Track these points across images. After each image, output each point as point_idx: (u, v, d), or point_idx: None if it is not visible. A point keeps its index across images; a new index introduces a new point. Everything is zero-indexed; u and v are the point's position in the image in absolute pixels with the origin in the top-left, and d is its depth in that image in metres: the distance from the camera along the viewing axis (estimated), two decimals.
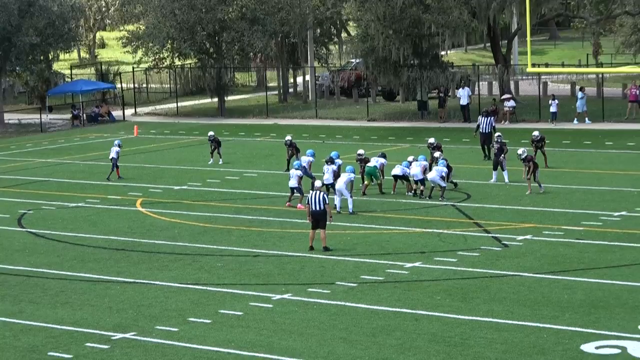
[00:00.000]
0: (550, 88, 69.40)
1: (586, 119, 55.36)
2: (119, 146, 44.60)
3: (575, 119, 55.42)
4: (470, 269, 27.00)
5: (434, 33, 60.80)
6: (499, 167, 38.67)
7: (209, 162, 46.84)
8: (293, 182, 36.02)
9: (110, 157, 43.92)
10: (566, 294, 24.29)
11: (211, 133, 47.73)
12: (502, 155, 38.68)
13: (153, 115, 71.06)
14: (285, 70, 76.65)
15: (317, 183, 30.62)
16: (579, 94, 56.06)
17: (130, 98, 74.85)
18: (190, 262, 29.06)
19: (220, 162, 46.49)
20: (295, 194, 36.12)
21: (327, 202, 29.59)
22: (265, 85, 73.88)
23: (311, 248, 29.84)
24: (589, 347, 20.51)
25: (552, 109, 55.22)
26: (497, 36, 64.30)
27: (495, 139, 39.61)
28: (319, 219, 29.51)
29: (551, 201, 35.48)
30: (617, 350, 20.31)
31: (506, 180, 38.35)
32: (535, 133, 41.44)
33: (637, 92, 56.49)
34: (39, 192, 41.79)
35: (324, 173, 36.48)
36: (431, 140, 41.00)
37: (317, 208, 29.43)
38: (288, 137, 43.96)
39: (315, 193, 29.59)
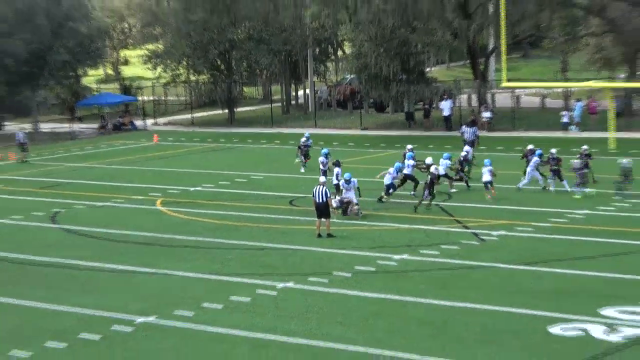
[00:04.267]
0: (523, 100, 69.51)
1: (574, 127, 55.17)
2: (308, 138, 45.48)
3: (576, 127, 55.19)
4: (451, 260, 27.10)
5: (420, 51, 61.04)
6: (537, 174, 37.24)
7: (302, 171, 44.60)
8: (387, 180, 35.94)
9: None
10: (536, 283, 24.38)
11: (306, 135, 46.30)
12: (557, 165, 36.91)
13: (171, 125, 71.14)
14: (288, 85, 76.77)
15: (322, 179, 31.12)
16: (579, 104, 55.64)
17: (150, 109, 74.94)
18: (205, 254, 29.17)
19: (302, 170, 44.64)
20: (390, 191, 36.02)
21: (329, 195, 30.38)
22: (270, 98, 73.99)
23: (319, 235, 30.26)
24: (555, 329, 20.62)
25: (565, 119, 54.82)
26: (476, 54, 64.43)
27: (550, 156, 37.27)
28: (322, 210, 30.24)
29: (523, 201, 35.56)
30: (580, 332, 20.42)
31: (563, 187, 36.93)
32: (585, 147, 38.22)
33: (596, 105, 56.70)
34: (70, 192, 41.88)
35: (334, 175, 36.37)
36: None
37: (320, 200, 30.18)
38: (325, 150, 42.18)
39: (319, 188, 30.35)
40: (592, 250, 27.70)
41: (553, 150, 37.74)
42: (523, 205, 34.69)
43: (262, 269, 27.06)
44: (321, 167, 39.40)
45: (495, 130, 57.12)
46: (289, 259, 28.18)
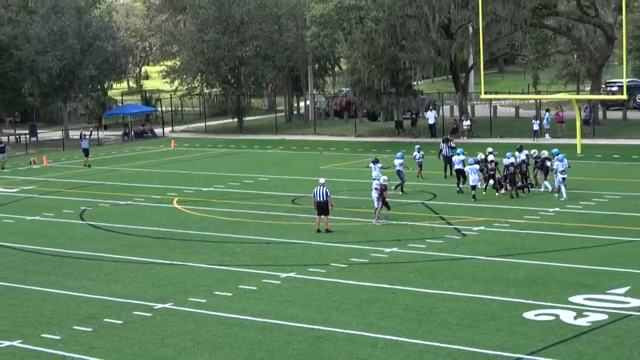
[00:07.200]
0: (500, 110, 69.40)
1: (547, 135, 55.00)
2: (419, 150, 41.24)
3: (547, 134, 55.01)
4: (436, 253, 26.99)
5: (408, 67, 61.09)
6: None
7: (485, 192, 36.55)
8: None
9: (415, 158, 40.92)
10: (512, 273, 24.28)
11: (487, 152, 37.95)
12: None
13: (186, 132, 71.01)
14: (291, 96, 76.63)
15: (322, 180, 30.76)
16: (547, 114, 55.49)
17: (169, 118, 74.81)
18: (216, 248, 29.04)
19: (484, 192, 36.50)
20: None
21: (329, 194, 30.03)
22: (275, 108, 73.90)
23: (318, 231, 30.08)
24: (529, 315, 20.49)
25: (536, 125, 54.41)
26: (457, 70, 64.32)
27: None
28: (323, 207, 29.97)
29: (500, 200, 35.41)
30: (552, 317, 20.29)
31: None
32: (534, 151, 37.38)
33: (563, 114, 56.58)
34: (96, 192, 41.75)
35: (372, 171, 35.78)
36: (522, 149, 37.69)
37: (321, 199, 29.90)
38: (400, 154, 38.71)
39: (320, 187, 30.08)
40: (562, 244, 27.56)
41: (534, 151, 37.31)
42: (500, 204, 34.52)
43: (267, 261, 26.95)
44: (398, 167, 37.83)
45: (474, 137, 56.97)
46: (291, 251, 28.04)
